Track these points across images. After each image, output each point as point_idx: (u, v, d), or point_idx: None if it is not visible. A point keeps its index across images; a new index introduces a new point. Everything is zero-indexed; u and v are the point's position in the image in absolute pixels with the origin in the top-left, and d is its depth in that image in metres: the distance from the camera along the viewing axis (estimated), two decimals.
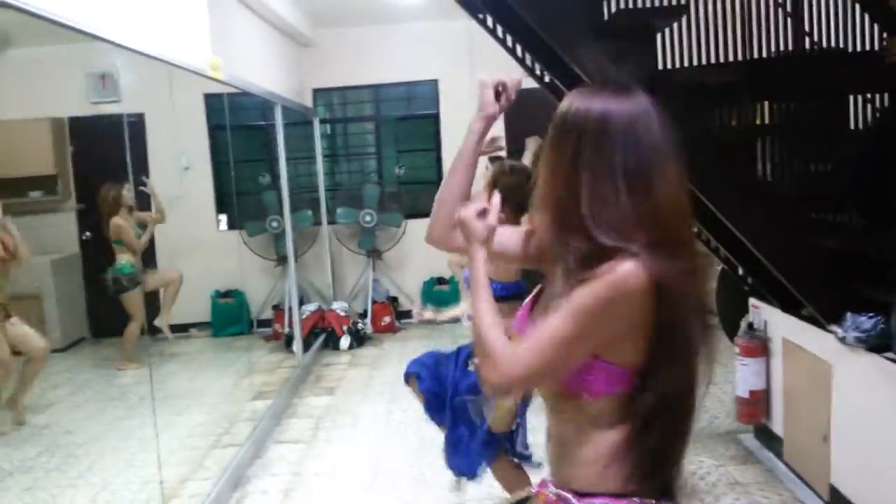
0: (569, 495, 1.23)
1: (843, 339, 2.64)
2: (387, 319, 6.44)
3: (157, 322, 5.44)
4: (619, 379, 1.14)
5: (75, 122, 6.32)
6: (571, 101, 1.16)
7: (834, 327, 2.71)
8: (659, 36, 3.22)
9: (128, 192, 5.25)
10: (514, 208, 2.50)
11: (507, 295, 2.61)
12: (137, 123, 6.08)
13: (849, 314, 2.65)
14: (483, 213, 1.24)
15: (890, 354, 2.46)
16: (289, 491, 3.39)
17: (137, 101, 5.88)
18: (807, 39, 3.26)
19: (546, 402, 1.27)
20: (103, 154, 5.47)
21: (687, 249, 1.15)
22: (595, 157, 1.11)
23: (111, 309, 5.84)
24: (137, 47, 2.86)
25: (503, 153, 5.06)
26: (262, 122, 6.54)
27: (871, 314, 2.57)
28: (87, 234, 6.33)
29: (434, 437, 3.92)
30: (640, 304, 1.08)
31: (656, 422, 1.16)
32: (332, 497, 3.31)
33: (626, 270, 1.07)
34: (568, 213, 1.13)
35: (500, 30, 3.76)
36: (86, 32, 2.47)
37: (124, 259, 5.24)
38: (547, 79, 3.80)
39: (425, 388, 2.86)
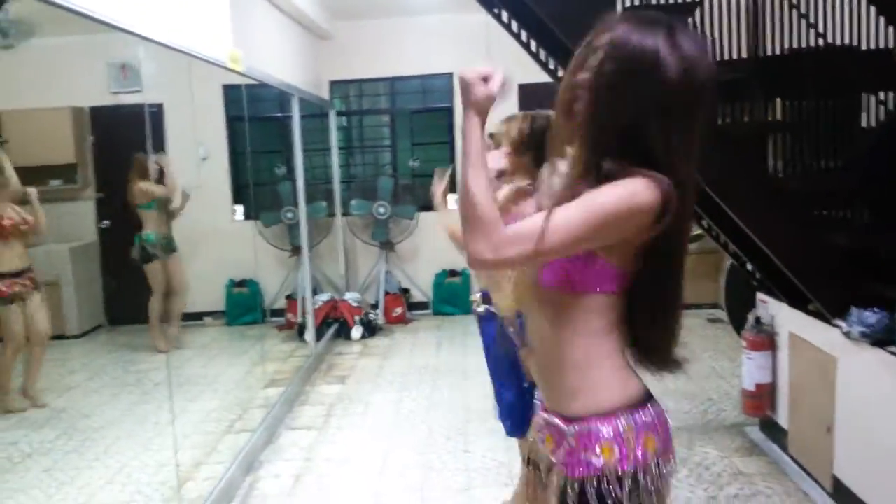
0: (558, 420, 1.27)
1: (847, 334, 2.67)
2: (398, 311, 6.51)
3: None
4: (611, 279, 1.20)
5: (96, 111, 6.42)
6: (625, 32, 1.15)
7: (839, 322, 2.74)
8: None
9: (155, 165, 5.38)
10: (535, 158, 2.49)
11: None
12: (157, 113, 6.18)
13: (854, 309, 2.68)
14: (486, 79, 1.18)
15: (893, 349, 2.49)
16: (300, 476, 3.46)
17: (157, 91, 5.97)
18: (819, 38, 3.28)
19: (528, 310, 1.30)
20: (123, 144, 5.56)
21: (692, 186, 1.20)
22: (642, 92, 1.13)
23: (127, 297, 5.96)
24: (159, 38, 2.92)
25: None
26: (279, 114, 6.61)
27: (875, 309, 2.60)
28: (106, 222, 6.44)
29: (442, 424, 4.00)
30: (648, 216, 1.13)
31: (643, 321, 1.23)
32: (343, 482, 3.38)
33: (644, 183, 1.12)
34: (604, 135, 1.17)
35: (514, 25, 3.80)
36: (108, 23, 2.53)
37: (151, 227, 5.38)
38: (560, 74, 3.83)
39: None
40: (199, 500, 3.07)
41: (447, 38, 6.65)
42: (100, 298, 6.41)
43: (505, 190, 2.56)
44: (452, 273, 6.69)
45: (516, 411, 2.69)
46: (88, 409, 4.43)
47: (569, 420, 1.25)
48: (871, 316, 2.62)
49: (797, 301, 3.15)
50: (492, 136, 4.60)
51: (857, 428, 2.72)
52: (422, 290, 6.83)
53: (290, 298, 6.44)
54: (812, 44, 3.21)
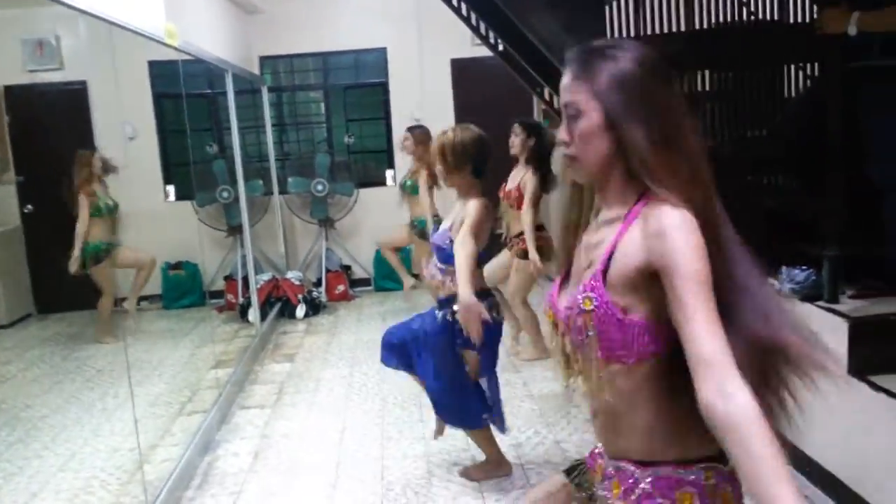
0: (630, 466, 1.20)
1: (779, 291, 2.87)
2: (341, 288, 6.52)
3: (125, 304, 5.41)
4: (661, 336, 1.12)
5: (11, 90, 6.10)
6: (616, 70, 1.12)
7: (771, 280, 2.93)
8: (608, 7, 3.37)
9: (99, 161, 5.14)
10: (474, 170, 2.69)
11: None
12: (80, 91, 5.94)
13: (784, 267, 2.87)
14: None
15: (821, 303, 2.69)
16: (259, 452, 3.48)
17: (80, 68, 5.73)
18: (745, 11, 3.46)
19: (586, 376, 1.21)
20: (43, 124, 5.34)
21: (713, 197, 1.16)
22: (641, 113, 1.11)
23: (57, 284, 5.75)
24: (90, 9, 2.82)
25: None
26: (208, 91, 6.46)
27: (804, 267, 2.80)
28: (29, 207, 6.17)
29: (395, 395, 4.08)
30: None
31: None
32: (303, 456, 3.42)
33: (689, 220, 1.07)
34: (617, 164, 1.15)
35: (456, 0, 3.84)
36: None
37: (98, 235, 5.10)
38: (501, 47, 3.91)
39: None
40: (158, 482, 3.06)
41: (379, 12, 6.62)
42: (27, 286, 6.15)
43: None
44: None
45: (445, 398, 2.85)
46: (29, 400, 4.30)
47: (643, 465, 1.19)
48: (799, 273, 2.82)
49: None
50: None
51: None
52: (363, 266, 6.85)
53: (229, 279, 6.36)
54: (739, 18, 3.39)
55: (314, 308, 6.09)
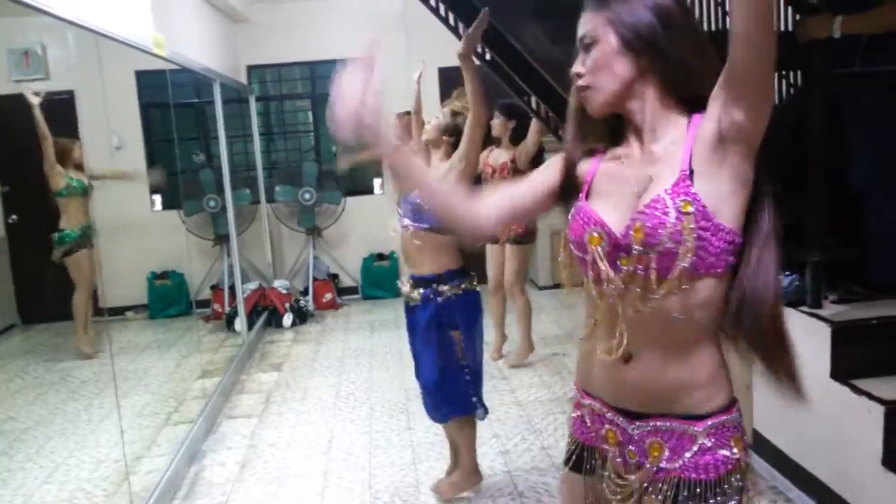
0: (679, 423, 1.16)
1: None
2: (328, 296, 6.51)
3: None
4: (724, 237, 1.10)
5: None
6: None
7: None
8: None
9: (79, 150, 5.10)
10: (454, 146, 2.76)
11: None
12: (67, 101, 5.91)
13: None
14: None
15: (804, 308, 2.72)
16: (246, 463, 3.46)
17: (66, 78, 5.71)
18: (728, 21, 3.49)
19: (644, 299, 1.13)
20: (29, 134, 5.30)
21: None
22: (679, 33, 1.14)
23: (41, 295, 5.71)
24: (76, 20, 2.81)
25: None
26: (195, 100, 6.46)
27: (787, 272, 2.83)
28: (14, 217, 6.13)
29: (383, 404, 4.07)
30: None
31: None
32: (290, 465, 3.41)
33: None
34: (644, 87, 1.16)
35: (441, 8, 3.86)
36: (25, 3, 2.42)
37: (65, 221, 4.96)
38: (488, 56, 3.92)
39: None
40: (144, 493, 3.03)
41: (367, 22, 6.63)
42: (11, 297, 6.11)
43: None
44: (380, 257, 6.74)
45: (438, 391, 2.82)
46: (13, 411, 4.26)
47: (696, 419, 1.16)
48: (783, 279, 2.85)
49: None
50: (407, 113, 4.73)
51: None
52: (350, 274, 6.85)
53: (216, 288, 6.34)
54: (723, 26, 3.43)
55: (301, 317, 6.08)
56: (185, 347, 5.49)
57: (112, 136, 6.29)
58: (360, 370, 4.73)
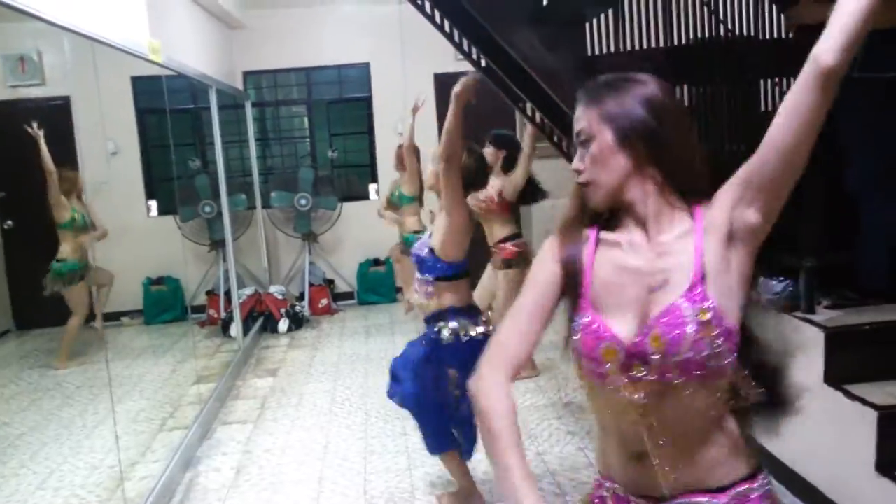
0: (704, 498, 1.17)
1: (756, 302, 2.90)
2: (324, 302, 6.51)
3: (95, 324, 5.35)
4: (734, 338, 1.12)
5: None
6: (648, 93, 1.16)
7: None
8: (588, 24, 3.42)
9: (80, 180, 5.09)
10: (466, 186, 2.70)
11: (454, 274, 2.74)
12: (63, 107, 5.92)
13: (761, 278, 2.90)
14: None
15: (798, 313, 2.73)
16: (241, 468, 3.46)
17: (63, 84, 5.72)
18: (721, 28, 3.51)
19: (672, 402, 1.13)
20: (25, 139, 5.31)
21: None
22: (671, 128, 1.15)
23: (36, 300, 5.70)
24: (73, 26, 2.82)
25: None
26: (191, 106, 6.47)
27: (781, 278, 2.84)
28: (10, 222, 6.12)
29: (378, 410, 4.07)
30: None
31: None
32: (285, 471, 3.40)
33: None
34: (643, 181, 1.17)
35: (437, 14, 3.87)
36: (23, 10, 2.43)
37: (67, 251, 4.94)
38: (483, 63, 3.94)
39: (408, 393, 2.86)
40: (139, 499, 3.03)
41: (362, 27, 6.66)
42: (6, 302, 6.10)
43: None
44: (376, 262, 6.74)
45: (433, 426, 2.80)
46: (7, 417, 4.25)
47: (719, 492, 1.17)
48: (777, 284, 2.86)
49: None
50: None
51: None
52: (346, 280, 6.85)
53: (211, 294, 6.33)
54: (716, 34, 3.45)
55: (297, 322, 6.07)
56: (181, 353, 5.48)
57: (108, 142, 6.29)
58: (356, 376, 4.73)
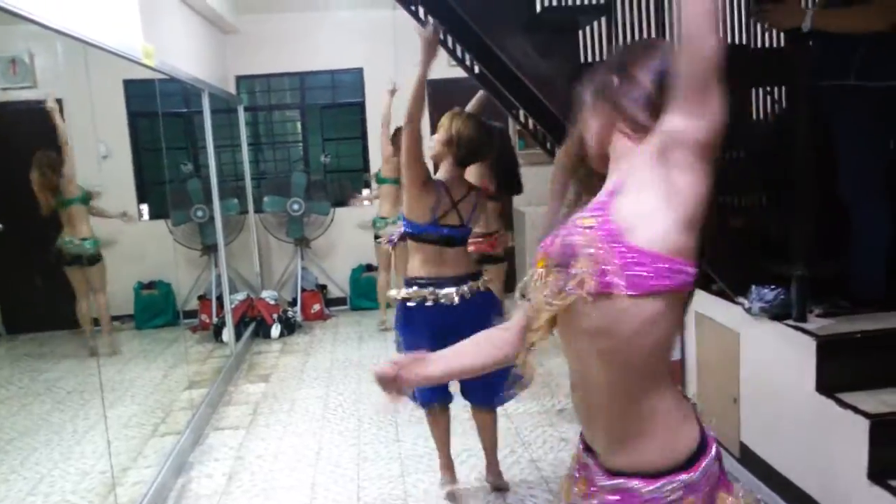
0: (637, 483, 1.12)
1: (749, 310, 2.91)
2: (316, 307, 6.49)
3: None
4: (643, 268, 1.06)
5: None
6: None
7: (741, 299, 2.99)
8: (581, 32, 3.43)
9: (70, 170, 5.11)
10: (457, 156, 2.87)
11: (415, 233, 2.80)
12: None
13: (753, 287, 2.93)
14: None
15: (790, 321, 2.74)
16: (233, 474, 3.44)
17: (54, 86, 5.69)
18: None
19: (583, 360, 1.14)
20: (16, 141, 5.28)
21: None
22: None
23: (26, 304, 5.66)
24: (65, 29, 2.81)
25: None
26: (183, 110, 6.45)
27: (773, 286, 2.86)
28: (0, 226, 6.08)
29: (371, 415, 4.06)
30: None
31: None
32: (278, 477, 3.39)
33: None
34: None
35: (431, 21, 3.88)
36: (13, 12, 2.41)
37: (81, 229, 4.98)
38: (476, 69, 3.95)
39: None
40: None
41: (356, 33, 6.67)
42: None
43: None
44: (369, 268, 6.73)
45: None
46: None
47: (649, 478, 1.12)
48: (769, 293, 2.88)
49: (701, 282, 3.39)
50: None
51: (760, 397, 2.98)
52: (339, 285, 6.84)
53: (203, 299, 6.31)
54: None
55: (289, 328, 6.06)
56: (172, 358, 5.46)
57: (99, 144, 6.26)
58: (349, 381, 4.72)
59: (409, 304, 2.80)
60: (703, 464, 1.15)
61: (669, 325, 1.10)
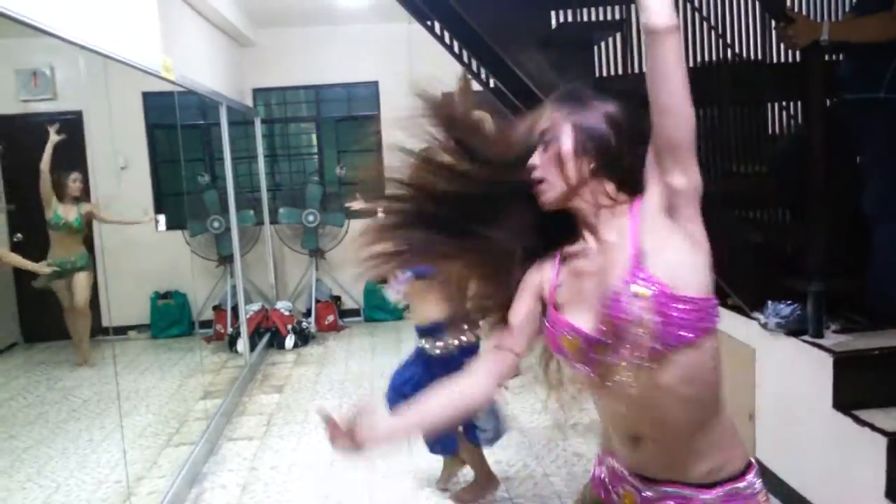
0: (688, 491, 1.21)
1: (764, 325, 2.90)
2: (331, 318, 6.52)
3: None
4: (698, 312, 1.14)
5: (4, 120, 6.13)
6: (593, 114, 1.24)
7: (756, 314, 2.97)
8: (596, 46, 3.45)
9: (74, 183, 5.17)
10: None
11: (424, 273, 2.72)
12: (75, 121, 5.97)
13: (769, 302, 2.91)
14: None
15: (806, 337, 2.73)
16: (247, 485, 3.45)
17: (74, 98, 5.78)
18: (729, 52, 3.54)
19: (623, 392, 1.17)
20: (36, 153, 5.36)
21: None
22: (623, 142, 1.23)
23: (43, 313, 5.73)
24: (86, 43, 2.85)
25: None
26: (201, 122, 6.53)
27: (789, 302, 2.84)
28: (19, 235, 6.16)
29: None
30: None
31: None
32: (291, 489, 3.40)
33: None
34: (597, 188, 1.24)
35: (447, 36, 3.91)
36: (35, 27, 2.46)
37: (58, 251, 5.15)
38: (492, 84, 3.97)
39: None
40: None
41: (371, 46, 6.72)
42: (14, 315, 6.12)
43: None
44: (383, 280, 6.74)
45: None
46: (14, 430, 4.26)
47: (707, 488, 1.21)
48: (785, 308, 2.86)
49: (717, 296, 3.38)
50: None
51: (776, 413, 2.96)
52: (353, 297, 6.86)
53: (218, 309, 6.35)
54: (724, 57, 3.47)
55: (303, 339, 6.08)
56: (187, 368, 5.49)
57: (118, 156, 6.35)
58: (362, 393, 4.73)
59: (436, 352, 2.76)
60: (753, 472, 1.25)
61: (719, 355, 1.22)
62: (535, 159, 1.24)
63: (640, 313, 1.12)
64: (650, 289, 1.12)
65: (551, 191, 1.23)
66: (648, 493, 1.24)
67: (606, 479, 1.34)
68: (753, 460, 1.26)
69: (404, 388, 2.88)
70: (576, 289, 1.25)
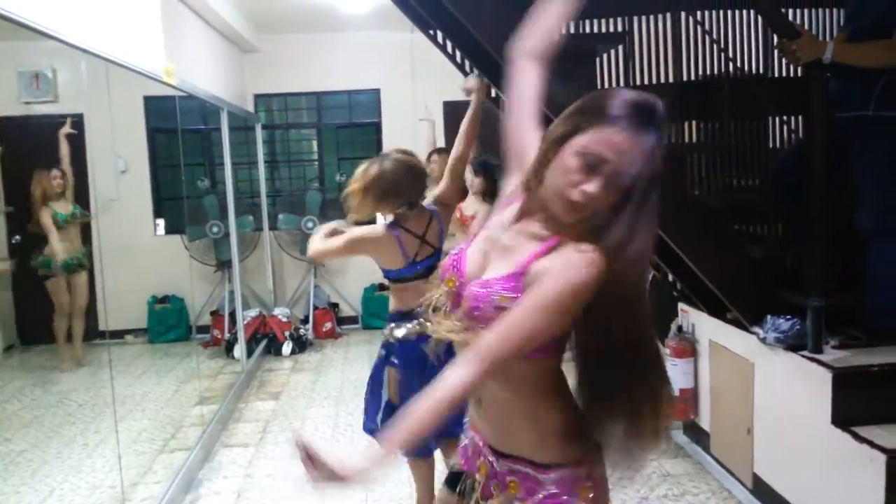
0: (529, 469, 1.31)
1: (763, 340, 2.90)
2: (328, 325, 6.50)
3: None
4: (548, 346, 1.27)
5: (5, 121, 6.13)
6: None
7: (756, 329, 2.97)
8: (598, 59, 3.46)
9: (55, 180, 5.26)
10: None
11: (392, 278, 2.72)
12: (76, 125, 5.96)
13: (769, 316, 2.91)
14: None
15: (805, 353, 2.72)
16: (242, 492, 3.44)
17: (76, 101, 5.78)
18: (731, 65, 3.55)
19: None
20: (37, 155, 5.37)
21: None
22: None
23: (41, 315, 5.71)
24: (88, 48, 2.85)
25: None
26: (202, 126, 6.53)
27: (788, 316, 2.84)
28: (17, 237, 6.15)
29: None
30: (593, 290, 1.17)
31: (591, 378, 1.29)
32: (286, 496, 3.38)
33: (593, 265, 1.15)
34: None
35: (449, 45, 3.92)
36: (38, 30, 2.46)
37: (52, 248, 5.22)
38: (493, 94, 3.97)
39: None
40: None
41: (373, 54, 6.73)
42: (11, 317, 6.10)
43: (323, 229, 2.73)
44: (381, 287, 6.74)
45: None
46: (9, 433, 4.24)
47: (545, 469, 1.30)
48: (784, 323, 2.86)
49: (716, 310, 3.38)
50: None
51: (774, 428, 2.95)
52: (351, 304, 6.85)
53: (216, 314, 6.33)
54: (726, 71, 3.48)
55: (301, 345, 6.07)
56: (184, 373, 5.47)
57: (118, 159, 6.34)
58: (358, 401, 4.65)
59: (403, 339, 2.72)
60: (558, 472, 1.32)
61: (555, 371, 1.38)
62: (589, 185, 1.15)
63: (491, 316, 1.22)
64: (512, 297, 1.21)
65: (585, 213, 1.18)
66: (498, 466, 1.35)
67: (469, 450, 1.46)
68: (585, 467, 1.32)
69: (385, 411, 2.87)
70: (490, 237, 1.34)
